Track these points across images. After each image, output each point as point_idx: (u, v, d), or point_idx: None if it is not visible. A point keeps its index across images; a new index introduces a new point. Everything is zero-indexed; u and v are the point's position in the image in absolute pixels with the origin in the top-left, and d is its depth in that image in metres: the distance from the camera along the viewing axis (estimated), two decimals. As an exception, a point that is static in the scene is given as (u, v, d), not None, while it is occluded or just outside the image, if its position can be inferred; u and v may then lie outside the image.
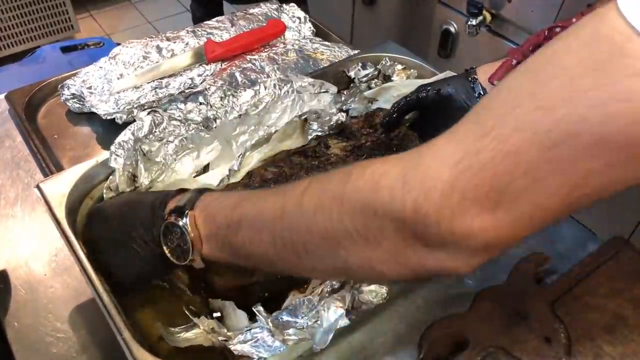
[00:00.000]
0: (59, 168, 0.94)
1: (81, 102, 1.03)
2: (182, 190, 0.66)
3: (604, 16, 0.36)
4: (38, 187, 0.73)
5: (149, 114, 0.76)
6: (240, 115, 0.82)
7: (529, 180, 0.38)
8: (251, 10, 1.23)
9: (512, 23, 1.44)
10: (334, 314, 0.60)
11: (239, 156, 0.81)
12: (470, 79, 0.80)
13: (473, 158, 0.39)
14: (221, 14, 1.34)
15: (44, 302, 0.75)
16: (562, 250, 0.78)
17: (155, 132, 0.77)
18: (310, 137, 0.88)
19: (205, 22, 1.18)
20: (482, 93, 0.79)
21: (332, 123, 0.88)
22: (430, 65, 0.99)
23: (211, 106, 0.80)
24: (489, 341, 0.63)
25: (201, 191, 0.61)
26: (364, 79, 0.98)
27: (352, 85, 0.99)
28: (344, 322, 0.60)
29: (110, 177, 0.76)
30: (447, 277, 0.46)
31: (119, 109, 0.99)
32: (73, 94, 1.03)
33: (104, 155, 0.77)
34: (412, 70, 0.99)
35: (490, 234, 0.40)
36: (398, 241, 0.43)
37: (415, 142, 0.84)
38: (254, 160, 0.84)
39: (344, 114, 0.90)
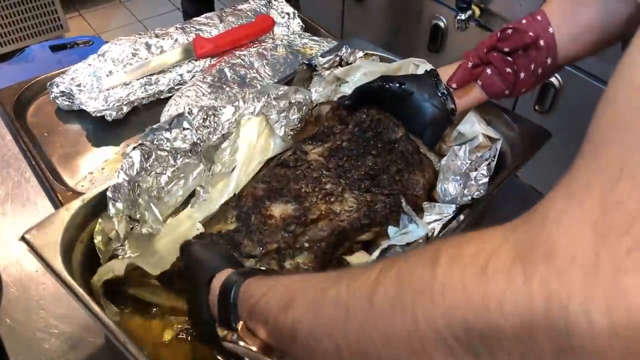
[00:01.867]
0: (49, 166, 0.94)
1: (70, 100, 1.03)
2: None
3: None
4: (24, 238, 0.66)
5: (135, 149, 0.74)
6: (223, 134, 0.82)
7: None
8: (240, 7, 1.23)
9: (500, 17, 1.45)
10: None
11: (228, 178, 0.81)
12: (433, 78, 0.81)
13: (614, 213, 0.28)
14: (212, 10, 1.33)
15: (35, 298, 0.76)
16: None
17: (146, 166, 0.74)
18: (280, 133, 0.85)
19: (194, 19, 1.18)
20: (445, 92, 0.80)
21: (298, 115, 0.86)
22: (392, 54, 0.99)
23: (196, 130, 0.79)
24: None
25: (244, 273, 0.54)
26: (326, 65, 0.97)
27: (314, 74, 0.98)
28: None
29: (100, 220, 0.72)
30: None
31: (108, 106, 0.99)
32: (62, 92, 1.03)
33: (88, 194, 0.73)
34: (373, 57, 0.99)
35: None
36: (522, 351, 0.30)
37: (391, 128, 0.82)
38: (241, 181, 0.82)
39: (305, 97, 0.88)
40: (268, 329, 0.47)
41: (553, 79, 1.39)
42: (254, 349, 0.48)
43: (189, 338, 0.68)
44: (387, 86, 0.82)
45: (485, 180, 0.75)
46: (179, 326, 0.68)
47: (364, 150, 0.80)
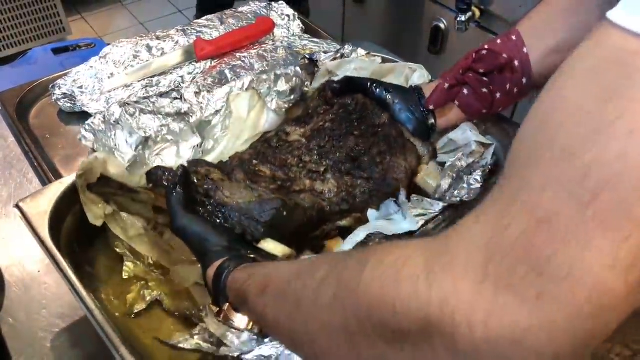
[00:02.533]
0: (52, 167, 0.95)
1: (72, 102, 1.03)
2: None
3: (601, 42, 0.33)
4: (18, 206, 0.72)
5: (121, 107, 0.77)
6: (217, 111, 0.83)
7: (575, 248, 0.30)
8: (240, 9, 1.24)
9: (501, 19, 1.45)
10: None
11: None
12: (417, 94, 0.83)
13: (502, 235, 0.32)
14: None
15: (37, 298, 0.76)
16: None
17: (128, 119, 0.77)
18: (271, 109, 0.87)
19: (194, 21, 1.19)
20: (427, 109, 0.82)
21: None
22: (419, 61, 1.00)
23: (185, 100, 0.80)
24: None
25: (235, 260, 0.60)
26: (326, 60, 0.97)
27: (316, 70, 0.99)
28: None
29: (82, 161, 0.74)
30: None
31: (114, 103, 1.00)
32: (64, 94, 1.03)
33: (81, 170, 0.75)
34: (375, 58, 1.00)
35: (540, 335, 0.30)
36: (423, 345, 0.34)
37: (376, 113, 0.83)
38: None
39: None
40: (247, 310, 0.56)
41: (553, 80, 1.39)
42: (240, 326, 0.57)
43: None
44: (373, 88, 0.84)
45: (478, 186, 0.76)
46: (151, 294, 0.74)
47: (347, 132, 0.80)
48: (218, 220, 0.67)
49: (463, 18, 1.47)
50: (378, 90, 0.83)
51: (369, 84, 0.84)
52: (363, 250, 0.42)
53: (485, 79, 0.78)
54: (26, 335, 0.72)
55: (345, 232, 0.75)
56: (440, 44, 1.63)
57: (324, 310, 0.42)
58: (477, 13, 1.48)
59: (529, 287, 0.30)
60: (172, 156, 0.81)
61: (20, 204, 0.72)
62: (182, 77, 1.07)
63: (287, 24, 1.22)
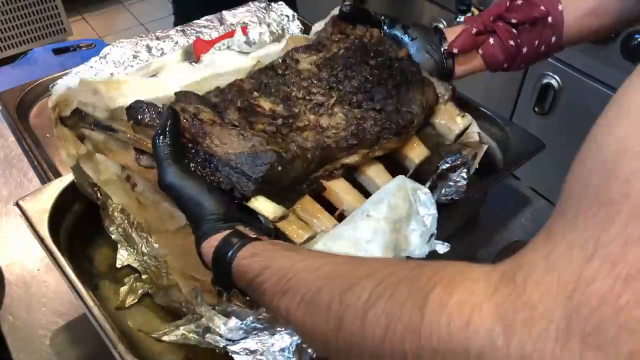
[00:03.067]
0: (52, 166, 0.95)
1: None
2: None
3: None
4: (18, 204, 0.72)
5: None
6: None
7: None
8: (240, 9, 1.24)
9: (499, 19, 1.46)
10: None
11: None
12: (438, 35, 0.79)
13: (586, 290, 0.30)
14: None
15: (37, 296, 0.77)
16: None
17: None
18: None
19: (194, 21, 1.20)
20: (447, 50, 0.78)
21: None
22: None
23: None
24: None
25: (237, 238, 0.55)
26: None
27: None
28: None
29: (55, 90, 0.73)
30: None
31: (110, 107, 1.00)
32: (64, 94, 1.04)
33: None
34: None
35: None
36: None
37: (393, 47, 0.78)
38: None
39: None
40: (261, 303, 0.52)
41: (552, 81, 1.40)
42: (249, 309, 0.54)
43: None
44: (387, 24, 0.79)
45: (464, 183, 0.75)
46: (143, 287, 0.75)
47: (362, 60, 0.74)
48: (206, 173, 0.60)
49: (462, 19, 1.48)
50: (395, 26, 0.79)
51: (383, 17, 0.79)
52: (413, 278, 0.39)
53: (514, 30, 0.74)
54: (26, 333, 0.72)
55: (350, 172, 0.70)
56: (440, 44, 1.64)
57: (375, 341, 0.39)
58: (477, 13, 1.49)
59: (622, 345, 0.28)
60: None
61: (20, 202, 0.72)
62: (181, 77, 1.07)
63: (286, 25, 1.23)
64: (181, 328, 0.61)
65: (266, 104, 0.67)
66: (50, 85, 1.05)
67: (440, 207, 0.72)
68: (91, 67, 1.07)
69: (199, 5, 1.36)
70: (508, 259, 0.35)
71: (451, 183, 0.74)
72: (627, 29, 1.16)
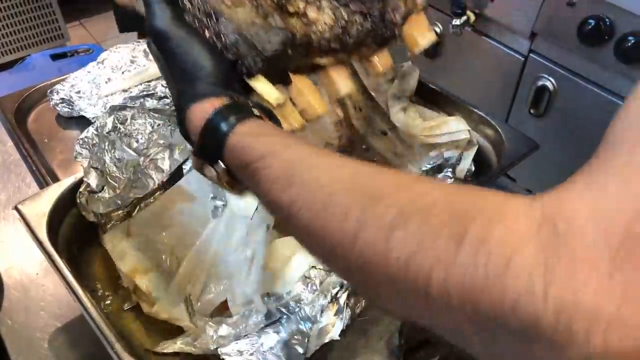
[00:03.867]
0: (50, 171, 0.95)
1: (70, 106, 1.05)
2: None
3: None
4: (17, 208, 0.73)
5: (110, 115, 0.78)
6: None
7: None
8: None
9: (495, 22, 1.47)
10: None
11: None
12: None
13: (636, 244, 0.28)
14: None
15: (36, 300, 0.77)
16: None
17: (119, 128, 0.78)
18: None
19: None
20: None
21: None
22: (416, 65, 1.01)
23: None
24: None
25: (234, 113, 0.48)
26: None
27: None
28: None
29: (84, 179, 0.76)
30: None
31: (106, 110, 1.01)
32: (62, 99, 1.05)
33: (81, 172, 0.79)
34: None
35: None
36: (522, 343, 0.31)
37: None
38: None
39: None
40: (254, 189, 0.46)
41: (548, 83, 1.40)
42: (233, 191, 0.48)
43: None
44: None
45: (451, 181, 0.76)
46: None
47: None
48: (208, 30, 0.53)
49: (458, 22, 1.49)
50: None
51: None
52: (444, 202, 0.35)
53: None
54: (25, 336, 0.73)
55: (314, 69, 0.65)
56: (436, 47, 1.64)
57: (397, 268, 0.35)
58: (472, 17, 1.49)
59: None
60: (166, 160, 0.82)
61: (19, 206, 0.73)
62: (179, 81, 1.08)
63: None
64: (178, 342, 0.63)
65: None
66: (48, 91, 1.06)
67: None
68: (89, 72, 1.08)
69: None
70: (547, 193, 0.33)
71: None
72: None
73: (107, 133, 0.79)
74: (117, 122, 0.80)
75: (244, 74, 0.54)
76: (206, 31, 0.52)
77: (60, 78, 1.09)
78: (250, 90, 0.56)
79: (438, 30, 1.60)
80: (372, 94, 0.84)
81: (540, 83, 1.42)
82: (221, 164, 0.48)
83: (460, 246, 0.32)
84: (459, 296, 0.32)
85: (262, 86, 0.54)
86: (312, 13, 0.62)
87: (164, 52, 0.51)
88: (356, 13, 0.65)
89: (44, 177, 0.93)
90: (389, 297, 0.38)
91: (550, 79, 1.40)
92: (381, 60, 0.70)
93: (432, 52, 1.65)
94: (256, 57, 0.53)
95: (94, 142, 0.78)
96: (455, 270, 0.32)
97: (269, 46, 0.53)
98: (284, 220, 0.43)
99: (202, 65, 0.50)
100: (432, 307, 0.34)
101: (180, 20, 0.51)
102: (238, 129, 0.46)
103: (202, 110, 0.48)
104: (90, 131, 0.79)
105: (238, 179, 0.48)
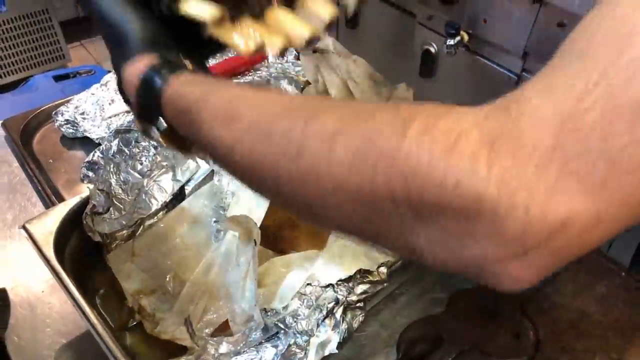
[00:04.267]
0: (55, 191, 0.98)
1: (75, 128, 1.07)
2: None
3: None
4: (24, 227, 0.76)
5: (115, 138, 0.81)
6: None
7: None
8: (236, 36, 1.28)
9: (489, 42, 1.50)
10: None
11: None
12: None
13: (580, 119, 0.29)
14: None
15: (42, 317, 0.79)
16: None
17: (124, 150, 0.81)
18: None
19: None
20: None
21: None
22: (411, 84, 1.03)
23: None
24: (463, 339, 0.67)
25: (168, 66, 0.49)
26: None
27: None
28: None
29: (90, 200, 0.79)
30: (498, 285, 0.34)
31: (111, 133, 1.03)
32: (67, 120, 1.07)
33: (87, 192, 0.82)
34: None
35: (589, 221, 0.30)
36: (465, 224, 0.32)
37: None
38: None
39: None
40: (196, 137, 0.45)
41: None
42: (181, 151, 0.50)
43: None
44: None
45: None
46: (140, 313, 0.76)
47: None
48: None
49: (452, 42, 1.52)
50: None
51: None
52: (394, 108, 0.35)
53: None
54: (31, 353, 0.74)
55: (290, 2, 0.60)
56: (431, 67, 1.67)
57: (341, 170, 0.35)
58: (466, 37, 1.52)
59: (594, 175, 0.29)
60: (169, 181, 0.85)
61: (27, 225, 0.75)
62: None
63: (281, 51, 1.27)
64: None
65: None
66: (53, 113, 1.08)
67: None
68: (92, 94, 1.11)
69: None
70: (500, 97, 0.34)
71: None
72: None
73: (112, 156, 0.82)
74: (121, 144, 0.83)
75: (168, 9, 0.52)
76: None
77: (65, 100, 1.12)
78: (190, 32, 0.53)
79: (433, 49, 1.64)
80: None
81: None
82: (163, 122, 0.49)
83: (404, 137, 0.33)
84: (403, 186, 0.33)
85: (191, 7, 0.51)
86: None
87: (96, 16, 0.53)
88: None
89: (50, 196, 0.95)
90: (335, 206, 0.37)
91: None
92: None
93: (428, 71, 1.68)
94: None
95: (100, 165, 0.80)
96: (399, 161, 0.33)
97: None
98: (226, 158, 0.43)
99: (132, 27, 0.51)
100: (376, 205, 0.34)
101: None
102: (172, 81, 0.47)
103: (136, 69, 0.49)
104: (96, 154, 0.82)
105: (182, 135, 0.48)
